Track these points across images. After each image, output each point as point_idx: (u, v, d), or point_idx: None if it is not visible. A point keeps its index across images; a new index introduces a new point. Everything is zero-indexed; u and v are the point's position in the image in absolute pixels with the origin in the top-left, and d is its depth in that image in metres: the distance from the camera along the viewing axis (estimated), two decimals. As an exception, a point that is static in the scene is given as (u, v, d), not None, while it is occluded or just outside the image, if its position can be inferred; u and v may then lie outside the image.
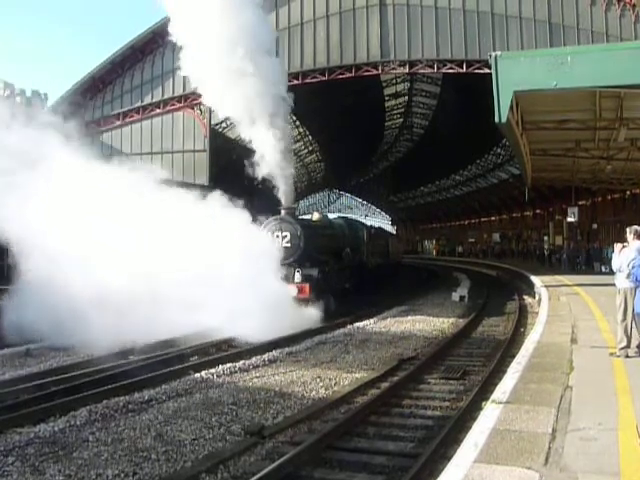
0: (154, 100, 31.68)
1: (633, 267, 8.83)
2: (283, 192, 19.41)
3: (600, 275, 24.55)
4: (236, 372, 11.73)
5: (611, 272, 9.67)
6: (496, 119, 12.07)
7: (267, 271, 16.00)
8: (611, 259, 9.70)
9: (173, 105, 31.46)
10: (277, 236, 18.36)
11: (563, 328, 11.89)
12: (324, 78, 29.34)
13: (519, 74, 12.25)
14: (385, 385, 10.53)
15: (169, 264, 14.60)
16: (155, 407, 9.32)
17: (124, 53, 31.68)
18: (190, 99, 30.61)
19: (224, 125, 36.69)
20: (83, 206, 15.02)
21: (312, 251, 19.03)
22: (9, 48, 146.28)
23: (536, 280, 24.55)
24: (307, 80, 28.96)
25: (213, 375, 11.38)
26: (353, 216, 58.19)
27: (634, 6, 25.69)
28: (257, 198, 17.97)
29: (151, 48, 31.21)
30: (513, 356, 10.24)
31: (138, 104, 31.92)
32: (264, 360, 12.72)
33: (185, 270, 14.57)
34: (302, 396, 9.96)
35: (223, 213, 16.29)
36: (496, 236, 65.01)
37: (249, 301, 14.20)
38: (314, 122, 44.57)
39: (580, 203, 38.43)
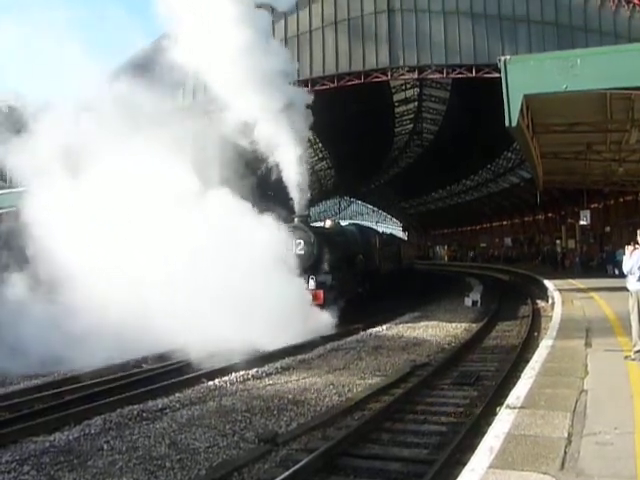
0: (164, 110, 31.78)
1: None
2: (296, 199, 19.46)
3: (613, 278, 24.37)
4: (249, 380, 11.74)
5: (624, 275, 9.60)
6: (506, 123, 12.04)
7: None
8: (618, 262, 9.64)
9: (183, 115, 31.54)
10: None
11: (577, 332, 11.81)
12: (333, 85, 29.28)
13: (529, 78, 12.23)
14: (398, 392, 10.48)
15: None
16: (169, 415, 9.35)
17: (126, 68, 31.72)
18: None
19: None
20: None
21: (325, 258, 19.05)
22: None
23: (549, 284, 24.43)
24: (316, 87, 28.89)
25: (226, 383, 11.39)
26: (365, 223, 58.10)
27: (643, 7, 25.57)
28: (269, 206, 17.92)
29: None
30: (527, 361, 10.17)
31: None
32: (277, 368, 12.71)
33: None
34: (315, 403, 9.94)
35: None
36: (508, 240, 64.64)
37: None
38: (324, 129, 44.55)
39: (592, 206, 38.13)
